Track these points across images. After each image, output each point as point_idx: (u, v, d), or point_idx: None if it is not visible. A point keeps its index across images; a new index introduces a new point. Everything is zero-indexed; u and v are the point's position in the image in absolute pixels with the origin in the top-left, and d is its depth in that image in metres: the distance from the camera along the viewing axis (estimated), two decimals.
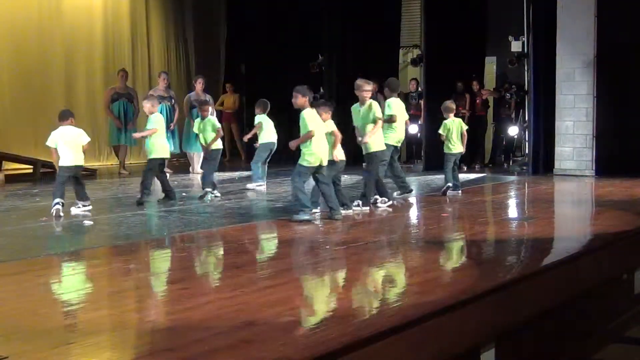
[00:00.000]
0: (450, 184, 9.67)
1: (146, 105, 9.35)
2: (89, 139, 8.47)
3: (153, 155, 9.05)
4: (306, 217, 7.50)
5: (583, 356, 5.89)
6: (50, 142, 8.32)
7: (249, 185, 10.78)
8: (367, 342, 3.65)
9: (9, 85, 13.47)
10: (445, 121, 9.75)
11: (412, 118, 15.26)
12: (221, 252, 6.63)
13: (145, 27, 16.14)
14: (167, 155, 9.51)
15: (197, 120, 10.39)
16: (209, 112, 10.37)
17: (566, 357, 5.68)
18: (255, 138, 11.13)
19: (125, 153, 13.70)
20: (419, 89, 15.22)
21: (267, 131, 10.89)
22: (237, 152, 16.13)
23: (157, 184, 9.48)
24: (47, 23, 14.14)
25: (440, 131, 9.74)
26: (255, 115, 11.02)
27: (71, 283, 5.06)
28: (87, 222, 7.68)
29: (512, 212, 9.35)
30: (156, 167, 9.10)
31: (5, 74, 13.41)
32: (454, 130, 9.69)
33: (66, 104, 14.37)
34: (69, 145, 8.26)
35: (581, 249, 6.26)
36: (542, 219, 7.99)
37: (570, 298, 5.69)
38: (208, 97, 13.01)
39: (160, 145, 9.11)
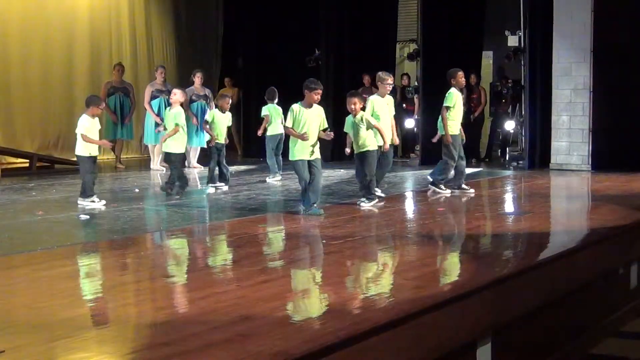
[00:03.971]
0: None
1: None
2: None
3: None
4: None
5: (579, 351, 5.90)
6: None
7: (267, 179, 10.85)
8: (363, 337, 3.65)
9: (6, 80, 13.44)
10: None
11: (408, 113, 15.33)
12: (217, 246, 6.63)
13: (142, 20, 16.09)
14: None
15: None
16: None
17: (562, 351, 5.69)
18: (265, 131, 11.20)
19: (121, 147, 13.69)
20: (416, 83, 15.21)
21: (273, 123, 10.95)
22: (233, 146, 16.11)
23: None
24: (45, 17, 14.10)
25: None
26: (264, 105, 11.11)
27: (68, 277, 5.05)
28: (83, 216, 7.67)
29: (509, 206, 9.35)
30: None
31: (1, 68, 13.37)
32: None
33: (63, 98, 14.40)
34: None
35: (577, 243, 6.26)
36: (539, 213, 8.00)
37: (566, 292, 5.70)
38: (207, 92, 12.98)
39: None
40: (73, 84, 14.63)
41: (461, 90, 9.52)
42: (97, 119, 8.47)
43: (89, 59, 14.95)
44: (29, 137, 13.91)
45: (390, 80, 9.00)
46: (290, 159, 7.91)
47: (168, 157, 9.39)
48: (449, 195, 9.10)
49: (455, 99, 9.19)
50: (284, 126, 7.87)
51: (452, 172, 9.38)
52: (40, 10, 14.06)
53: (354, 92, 8.55)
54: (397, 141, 9.12)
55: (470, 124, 13.26)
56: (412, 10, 17.19)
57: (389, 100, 9.00)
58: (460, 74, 9.30)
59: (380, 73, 9.11)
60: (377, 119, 8.56)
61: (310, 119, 7.80)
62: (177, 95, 9.48)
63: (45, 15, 14.13)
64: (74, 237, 6.95)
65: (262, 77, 15.38)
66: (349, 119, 8.28)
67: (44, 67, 14.15)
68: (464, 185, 9.38)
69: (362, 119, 8.19)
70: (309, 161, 7.79)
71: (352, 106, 8.19)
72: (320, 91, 7.87)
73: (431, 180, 9.29)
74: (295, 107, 7.83)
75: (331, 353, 3.44)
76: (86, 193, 8.29)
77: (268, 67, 15.47)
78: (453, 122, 9.20)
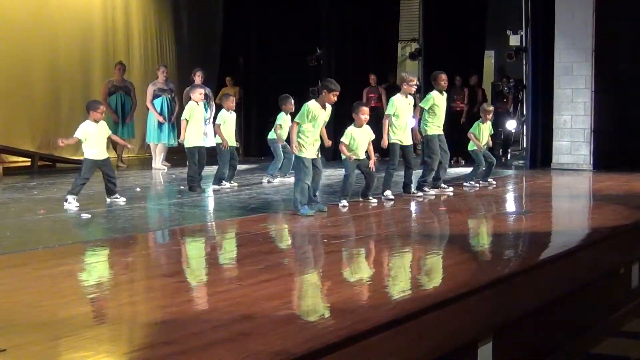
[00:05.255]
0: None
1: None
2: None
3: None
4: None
5: (580, 350, 5.90)
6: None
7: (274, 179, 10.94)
8: (364, 336, 3.65)
9: (6, 78, 13.45)
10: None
11: None
12: (219, 245, 6.63)
13: (141, 18, 16.11)
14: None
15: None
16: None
17: (563, 351, 5.69)
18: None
19: (122, 146, 13.67)
20: (418, 83, 15.18)
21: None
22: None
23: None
24: (45, 16, 14.10)
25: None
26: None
27: (69, 276, 5.05)
28: (85, 215, 7.67)
29: (510, 206, 9.35)
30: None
31: (2, 67, 13.38)
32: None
33: (65, 97, 14.41)
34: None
35: (579, 243, 6.26)
36: (540, 213, 8.00)
37: (567, 292, 5.70)
38: (208, 90, 12.97)
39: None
40: (75, 82, 14.64)
41: (446, 91, 9.57)
42: (103, 123, 8.47)
43: (91, 58, 14.97)
44: (31, 136, 13.92)
45: (415, 81, 9.09)
46: (295, 152, 7.88)
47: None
48: (433, 196, 9.09)
49: (432, 102, 9.26)
50: (294, 121, 7.82)
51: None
52: (43, 9, 14.07)
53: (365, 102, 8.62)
54: (418, 138, 9.46)
55: (471, 124, 13.24)
56: (413, 9, 17.20)
57: (410, 101, 9.07)
58: (443, 76, 9.38)
59: (404, 74, 9.31)
60: (396, 118, 8.81)
61: (322, 120, 7.82)
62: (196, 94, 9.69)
63: (48, 14, 14.13)
64: (75, 235, 6.96)
65: (262, 76, 15.38)
66: (358, 130, 8.26)
67: (46, 66, 14.16)
68: (425, 187, 9.29)
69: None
70: (312, 160, 7.78)
71: (367, 116, 8.26)
72: (338, 93, 7.84)
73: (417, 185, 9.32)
74: (312, 105, 7.76)
75: (332, 352, 3.44)
76: (71, 191, 8.26)
77: (269, 66, 15.47)
78: (434, 123, 9.25)
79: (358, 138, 8.22)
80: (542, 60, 12.76)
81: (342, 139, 8.24)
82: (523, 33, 13.94)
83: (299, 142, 7.66)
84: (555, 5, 12.38)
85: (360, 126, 8.24)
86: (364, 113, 8.23)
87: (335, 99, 7.84)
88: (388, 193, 8.71)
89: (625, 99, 12.43)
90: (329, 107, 7.90)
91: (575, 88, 12.41)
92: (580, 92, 12.37)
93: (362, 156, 8.31)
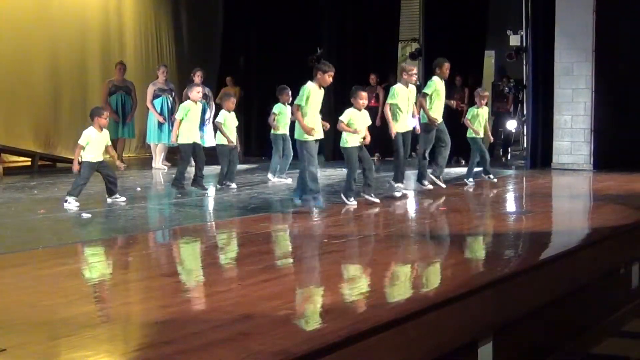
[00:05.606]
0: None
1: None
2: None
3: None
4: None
5: (580, 350, 5.90)
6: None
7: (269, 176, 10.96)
8: (364, 336, 3.65)
9: (7, 78, 13.45)
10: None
11: None
12: (219, 245, 6.63)
13: (141, 18, 16.11)
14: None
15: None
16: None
17: (564, 351, 5.69)
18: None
19: (123, 146, 13.69)
20: (418, 83, 15.18)
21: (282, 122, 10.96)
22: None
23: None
24: (46, 16, 14.10)
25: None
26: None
27: (69, 275, 5.05)
28: (85, 215, 7.68)
29: (510, 206, 9.36)
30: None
31: (3, 67, 13.38)
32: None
33: (66, 97, 14.41)
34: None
35: (579, 243, 6.26)
36: (540, 213, 8.00)
37: (567, 292, 5.70)
38: (207, 90, 12.97)
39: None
40: (75, 82, 14.64)
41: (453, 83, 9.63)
42: (105, 132, 8.49)
43: (91, 58, 14.97)
44: (31, 136, 13.93)
45: (415, 70, 9.12)
46: (297, 137, 7.87)
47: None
48: (430, 187, 9.13)
49: (434, 87, 9.29)
50: (294, 104, 7.83)
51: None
52: (44, 10, 14.06)
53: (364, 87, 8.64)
54: (418, 130, 9.44)
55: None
56: (414, 9, 17.18)
57: (412, 89, 9.08)
58: (447, 64, 9.42)
59: (403, 64, 9.61)
60: (397, 107, 8.84)
61: (319, 102, 7.84)
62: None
63: (48, 14, 14.13)
64: (75, 235, 6.95)
65: (262, 76, 15.36)
66: (358, 112, 8.26)
67: (47, 66, 14.16)
68: (424, 181, 9.37)
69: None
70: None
71: (364, 101, 8.24)
72: (333, 73, 7.87)
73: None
74: (311, 86, 7.77)
75: (332, 352, 3.44)
76: (71, 192, 8.24)
77: (269, 66, 15.45)
78: (434, 111, 9.28)
79: (357, 121, 8.21)
80: (543, 60, 12.76)
81: (341, 118, 8.24)
82: (523, 33, 13.94)
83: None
84: (556, 5, 12.38)
85: (359, 110, 8.25)
86: (362, 98, 8.23)
87: (331, 80, 7.86)
88: (400, 185, 8.70)
89: (625, 99, 12.43)
90: (322, 90, 7.94)
91: (575, 88, 12.41)
92: (580, 92, 12.37)
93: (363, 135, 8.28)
